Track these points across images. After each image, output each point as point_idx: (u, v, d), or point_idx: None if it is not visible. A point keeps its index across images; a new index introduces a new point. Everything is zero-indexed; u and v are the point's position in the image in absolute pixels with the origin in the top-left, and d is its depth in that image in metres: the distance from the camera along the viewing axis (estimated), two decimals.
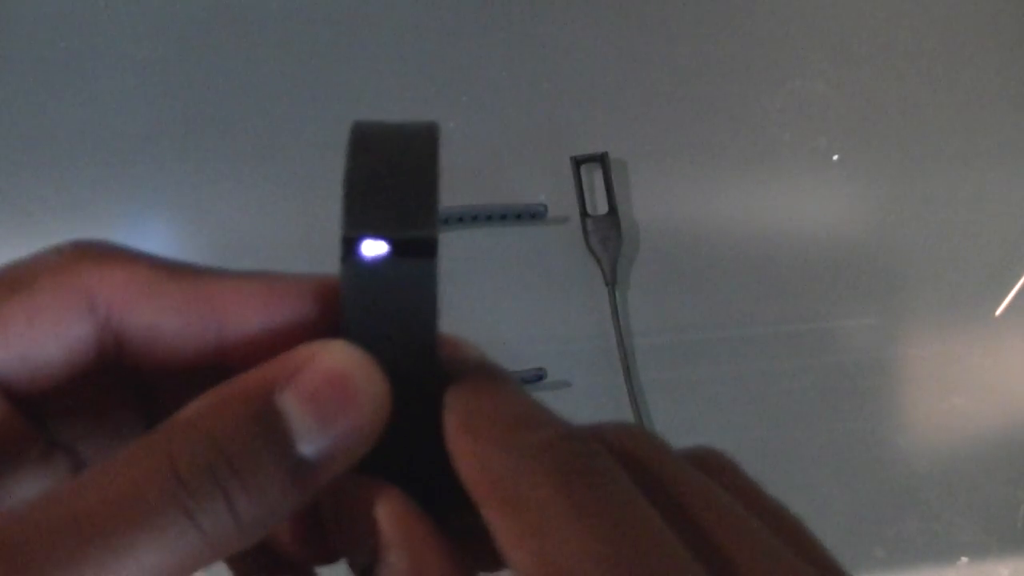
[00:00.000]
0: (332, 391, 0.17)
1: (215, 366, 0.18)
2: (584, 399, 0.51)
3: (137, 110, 0.56)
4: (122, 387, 0.19)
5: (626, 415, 0.50)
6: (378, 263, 0.18)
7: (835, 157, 0.57)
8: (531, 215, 0.54)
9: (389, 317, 0.18)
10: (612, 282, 0.53)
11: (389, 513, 0.17)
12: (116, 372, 0.18)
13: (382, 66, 0.58)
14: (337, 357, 0.17)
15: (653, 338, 0.52)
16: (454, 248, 0.54)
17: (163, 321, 0.18)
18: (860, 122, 0.58)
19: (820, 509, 0.49)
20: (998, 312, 0.54)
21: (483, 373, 0.19)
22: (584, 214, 0.54)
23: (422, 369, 0.18)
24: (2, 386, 0.17)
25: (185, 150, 0.55)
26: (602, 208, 0.55)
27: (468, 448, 0.17)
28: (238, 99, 0.57)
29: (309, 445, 0.16)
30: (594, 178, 0.56)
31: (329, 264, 0.58)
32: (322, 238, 0.58)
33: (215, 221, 0.54)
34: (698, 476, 0.18)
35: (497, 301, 0.53)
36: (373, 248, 0.18)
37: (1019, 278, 0.55)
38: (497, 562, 0.17)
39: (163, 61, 0.58)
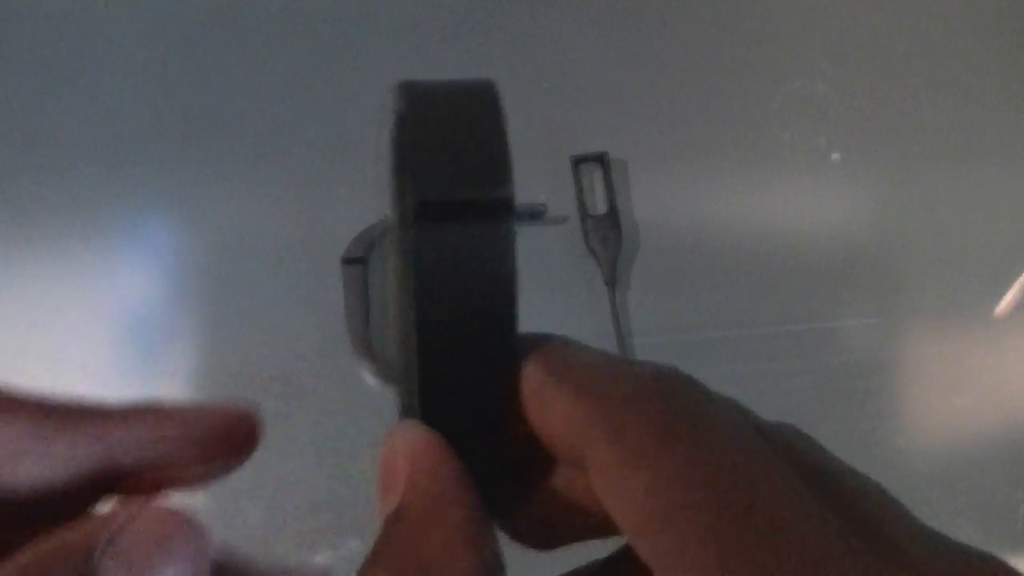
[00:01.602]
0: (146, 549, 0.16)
1: (100, 495, 0.18)
2: None
3: (137, 110, 0.56)
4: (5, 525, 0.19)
5: None
6: (455, 227, 0.17)
7: (835, 157, 0.57)
8: (531, 215, 0.54)
9: (466, 284, 0.17)
10: (612, 282, 0.53)
11: (410, 453, 0.17)
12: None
13: (382, 66, 0.58)
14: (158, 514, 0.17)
15: (653, 338, 0.52)
16: None
17: (49, 471, 0.18)
18: (860, 122, 0.58)
19: None
20: (998, 312, 0.54)
21: (561, 338, 0.19)
22: (584, 214, 0.54)
23: (502, 334, 0.17)
24: None
25: (185, 150, 0.55)
26: (602, 208, 0.55)
27: (562, 393, 0.17)
28: (238, 99, 0.57)
29: None
30: (594, 178, 0.56)
31: (329, 264, 0.58)
32: (322, 238, 0.59)
33: (215, 221, 0.54)
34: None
35: None
36: (446, 212, 0.17)
37: (1019, 278, 0.55)
38: (567, 528, 0.18)
39: (163, 61, 0.58)
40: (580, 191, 0.55)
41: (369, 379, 0.51)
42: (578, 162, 0.55)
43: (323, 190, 0.55)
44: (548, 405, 0.17)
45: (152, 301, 0.52)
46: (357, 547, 0.48)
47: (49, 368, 0.50)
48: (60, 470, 0.18)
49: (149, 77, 0.57)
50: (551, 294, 0.53)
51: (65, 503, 0.18)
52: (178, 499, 0.18)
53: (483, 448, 0.18)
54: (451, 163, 0.17)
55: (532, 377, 0.18)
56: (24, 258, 0.52)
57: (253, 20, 0.59)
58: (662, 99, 0.58)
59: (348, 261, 0.52)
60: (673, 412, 0.16)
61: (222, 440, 0.19)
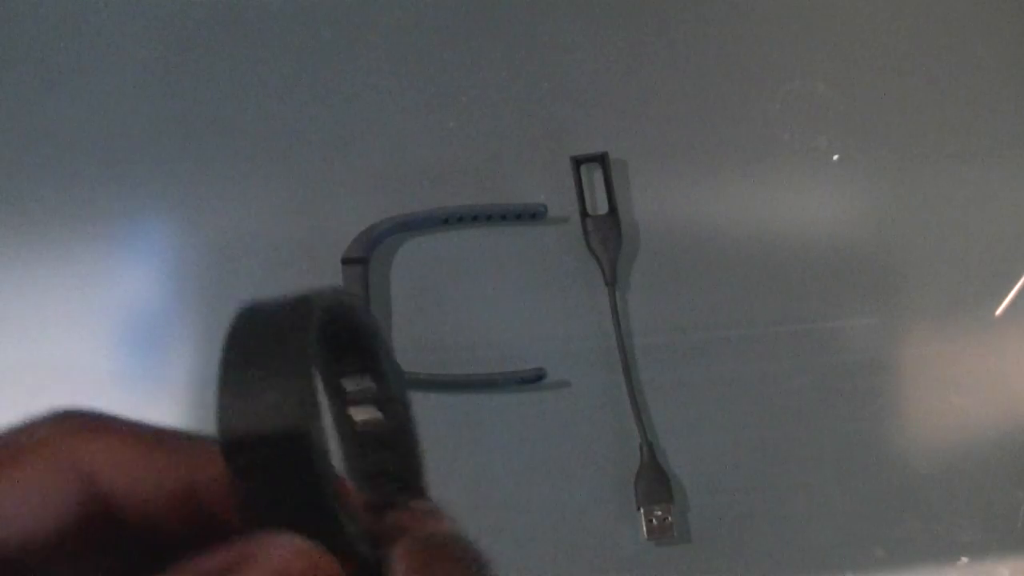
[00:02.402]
0: None
1: (189, 515, 0.19)
2: (584, 399, 0.51)
3: (137, 110, 0.56)
4: (105, 537, 0.20)
5: (626, 415, 0.50)
6: (256, 464, 0.17)
7: (835, 157, 0.57)
8: (531, 215, 0.54)
9: (285, 507, 0.18)
10: (612, 282, 0.53)
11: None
12: (100, 526, 0.19)
13: (382, 66, 0.58)
14: (282, 553, 0.17)
15: (653, 338, 0.52)
16: (455, 248, 0.54)
17: (147, 488, 0.19)
18: (860, 122, 0.58)
19: (820, 509, 0.49)
20: (998, 312, 0.54)
21: (416, 543, 0.19)
22: (584, 214, 0.54)
23: (336, 548, 0.18)
24: None
25: (185, 150, 0.55)
26: (602, 208, 0.55)
27: None
28: (238, 99, 0.57)
29: None
30: (594, 178, 0.56)
31: (329, 264, 0.58)
32: (322, 238, 0.58)
33: (215, 221, 0.54)
34: None
35: (497, 301, 0.53)
36: (248, 447, 0.17)
37: (1019, 278, 0.55)
38: None
39: (163, 61, 0.58)
40: (580, 191, 0.55)
41: None
42: (578, 162, 0.55)
43: (323, 190, 0.55)
44: None
45: (152, 301, 0.52)
46: None
47: (49, 368, 0.50)
48: (155, 488, 0.19)
49: (149, 77, 0.57)
50: (551, 294, 0.53)
51: (159, 517, 0.19)
52: None
53: None
54: (248, 398, 0.18)
55: None
56: (24, 258, 0.52)
57: (253, 20, 0.59)
58: (662, 99, 0.58)
59: (348, 261, 0.52)
60: None
61: None
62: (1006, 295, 0.55)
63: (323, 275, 0.53)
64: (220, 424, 0.17)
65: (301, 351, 0.18)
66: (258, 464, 0.17)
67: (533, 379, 0.50)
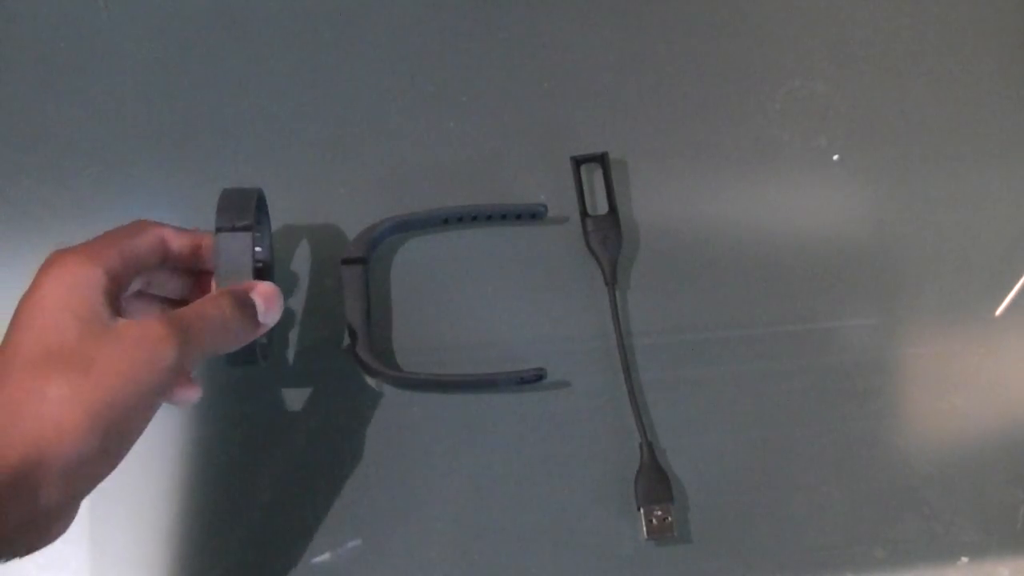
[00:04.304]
0: (269, 297, 0.42)
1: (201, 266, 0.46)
2: (584, 399, 0.51)
3: (137, 110, 0.56)
4: (172, 274, 0.46)
5: (626, 415, 0.50)
6: (226, 235, 0.43)
7: (835, 157, 0.57)
8: (531, 215, 0.54)
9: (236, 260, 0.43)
10: (612, 282, 0.53)
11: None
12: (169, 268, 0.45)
13: (382, 66, 0.58)
14: (270, 286, 0.43)
15: (653, 338, 0.52)
16: (455, 248, 0.54)
17: (183, 242, 0.44)
18: (860, 122, 0.58)
19: (820, 509, 0.49)
20: (998, 312, 0.54)
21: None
22: (584, 214, 0.54)
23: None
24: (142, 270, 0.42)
25: (185, 150, 0.55)
26: (602, 208, 0.55)
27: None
28: (238, 99, 0.57)
29: (263, 316, 0.42)
30: (594, 178, 0.56)
31: (329, 262, 0.58)
32: (322, 238, 0.58)
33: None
34: None
35: (497, 301, 0.53)
36: (228, 229, 0.43)
37: (1019, 278, 0.55)
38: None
39: (163, 61, 0.58)
40: (580, 191, 0.55)
41: (369, 379, 0.51)
42: (578, 162, 0.55)
43: (323, 190, 0.55)
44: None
45: None
46: (357, 547, 0.48)
47: None
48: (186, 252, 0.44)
49: (149, 77, 0.57)
50: (551, 294, 0.53)
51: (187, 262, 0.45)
52: None
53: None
54: (228, 212, 0.44)
55: None
56: (24, 258, 0.52)
57: (253, 20, 0.59)
58: (662, 99, 0.58)
59: (348, 261, 0.52)
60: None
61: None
62: (1006, 295, 0.55)
63: (323, 275, 0.53)
64: (218, 218, 0.44)
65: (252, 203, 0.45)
66: (227, 236, 0.43)
67: (533, 379, 0.50)
